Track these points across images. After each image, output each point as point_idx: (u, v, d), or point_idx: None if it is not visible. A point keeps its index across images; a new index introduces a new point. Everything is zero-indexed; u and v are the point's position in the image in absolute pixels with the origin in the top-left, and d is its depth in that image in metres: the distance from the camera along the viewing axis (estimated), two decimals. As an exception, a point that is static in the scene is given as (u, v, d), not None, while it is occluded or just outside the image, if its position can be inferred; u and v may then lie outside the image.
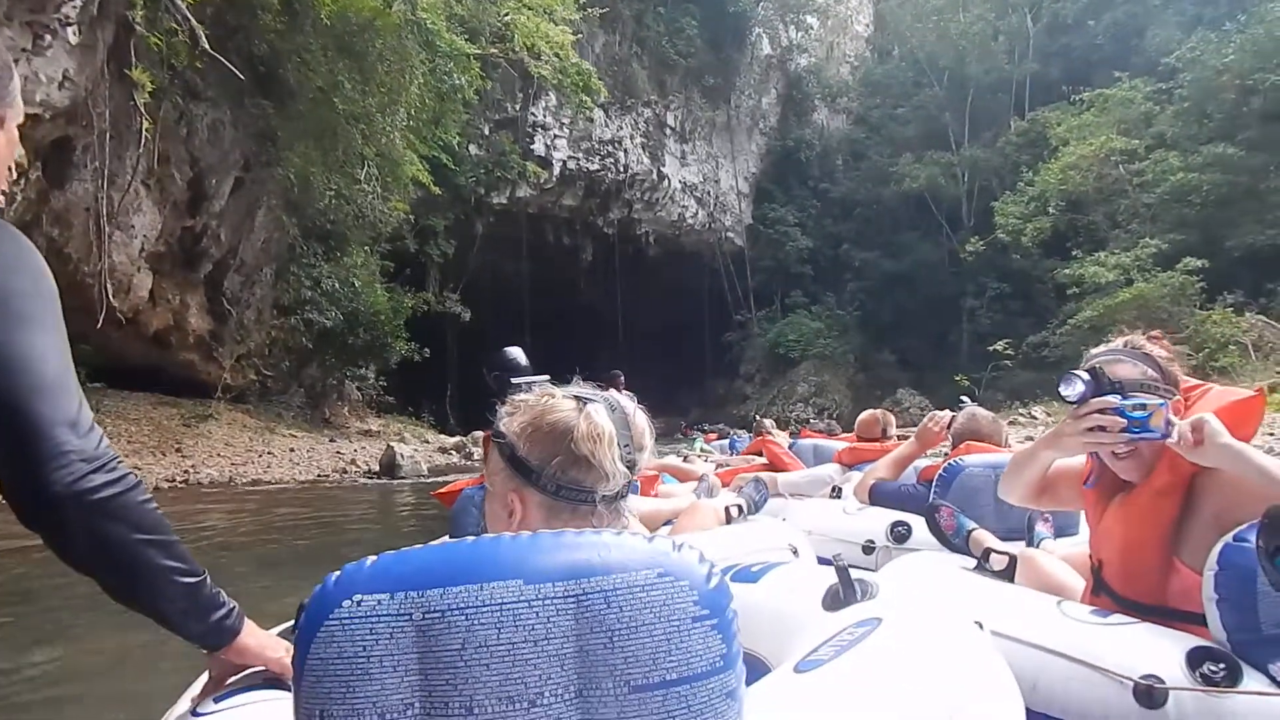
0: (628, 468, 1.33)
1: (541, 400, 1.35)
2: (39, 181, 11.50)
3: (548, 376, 1.54)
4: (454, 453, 17.67)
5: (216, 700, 1.47)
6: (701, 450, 11.08)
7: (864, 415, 5.67)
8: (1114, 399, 1.87)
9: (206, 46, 10.88)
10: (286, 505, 9.93)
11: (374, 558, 1.04)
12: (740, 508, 3.65)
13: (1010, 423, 19.81)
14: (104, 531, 1.23)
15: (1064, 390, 1.94)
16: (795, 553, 3.08)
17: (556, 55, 18.38)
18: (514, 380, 1.51)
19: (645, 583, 1.03)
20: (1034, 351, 26.03)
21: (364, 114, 14.47)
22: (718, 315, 39.77)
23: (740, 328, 39.19)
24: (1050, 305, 28.08)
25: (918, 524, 3.57)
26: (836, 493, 4.83)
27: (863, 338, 36.18)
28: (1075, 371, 1.94)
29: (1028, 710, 1.48)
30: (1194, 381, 2.15)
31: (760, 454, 6.61)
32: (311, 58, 13.78)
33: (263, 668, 1.53)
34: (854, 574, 1.64)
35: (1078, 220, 27.51)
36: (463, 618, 0.99)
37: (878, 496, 4.23)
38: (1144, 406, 1.82)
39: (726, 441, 9.63)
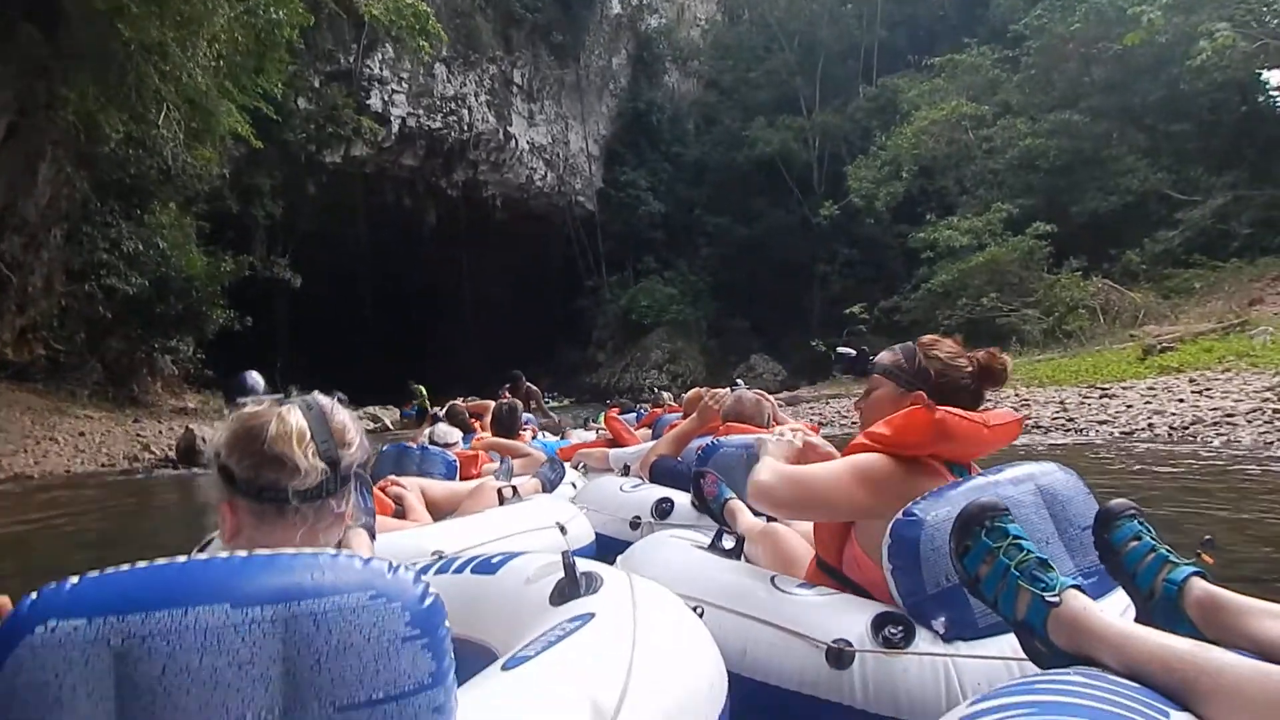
0: (328, 464, 1.37)
1: (244, 411, 1.39)
2: None
3: (281, 396, 1.49)
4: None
5: None
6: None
7: (690, 393, 5.70)
8: None
9: None
10: (23, 511, 8.05)
11: (75, 579, 1.03)
12: (514, 489, 3.85)
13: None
14: None
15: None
16: (563, 530, 3.26)
17: (390, -4, 16.79)
18: (238, 398, 1.49)
19: (357, 605, 1.06)
20: (886, 316, 26.34)
21: (158, 46, 12.54)
22: (569, 281, 38.98)
23: (592, 294, 38.67)
24: (899, 271, 28.73)
25: (680, 499, 3.77)
26: (626, 470, 4.94)
27: (716, 304, 36.38)
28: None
29: (738, 677, 1.79)
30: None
31: (650, 426, 6.73)
32: (91, -25, 11.79)
33: None
34: (581, 566, 1.81)
35: (929, 186, 28.11)
36: (164, 643, 0.99)
37: (656, 473, 4.40)
38: None
39: (633, 415, 9.50)
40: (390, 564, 1.14)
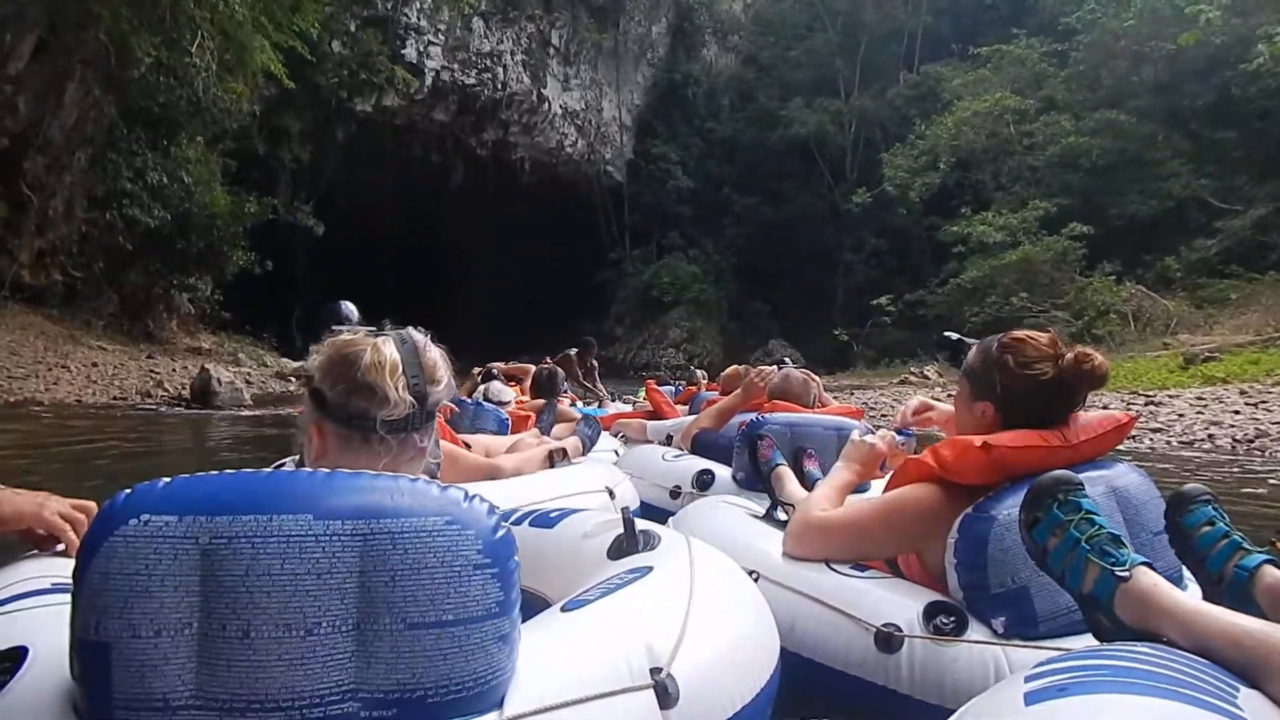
0: (416, 398, 1.42)
1: (341, 338, 1.45)
2: None
3: (374, 328, 1.53)
4: (294, 379, 15.78)
5: None
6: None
7: (729, 370, 5.81)
8: None
9: None
10: (38, 437, 7.77)
11: (168, 479, 1.08)
12: (564, 451, 3.84)
13: (901, 381, 19.51)
14: None
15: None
16: (611, 494, 3.33)
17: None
18: (334, 326, 1.54)
19: (433, 529, 1.11)
20: (909, 310, 25.96)
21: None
22: (591, 252, 38.40)
23: (614, 267, 38.23)
24: (925, 264, 28.21)
25: (722, 472, 3.85)
26: (668, 440, 5.00)
27: (738, 285, 36.06)
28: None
29: (785, 651, 1.73)
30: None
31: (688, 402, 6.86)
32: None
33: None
34: (640, 525, 1.85)
35: (965, 179, 27.50)
36: (249, 546, 1.04)
37: (698, 445, 4.48)
38: None
39: (671, 389, 9.37)
40: (466, 493, 1.17)
